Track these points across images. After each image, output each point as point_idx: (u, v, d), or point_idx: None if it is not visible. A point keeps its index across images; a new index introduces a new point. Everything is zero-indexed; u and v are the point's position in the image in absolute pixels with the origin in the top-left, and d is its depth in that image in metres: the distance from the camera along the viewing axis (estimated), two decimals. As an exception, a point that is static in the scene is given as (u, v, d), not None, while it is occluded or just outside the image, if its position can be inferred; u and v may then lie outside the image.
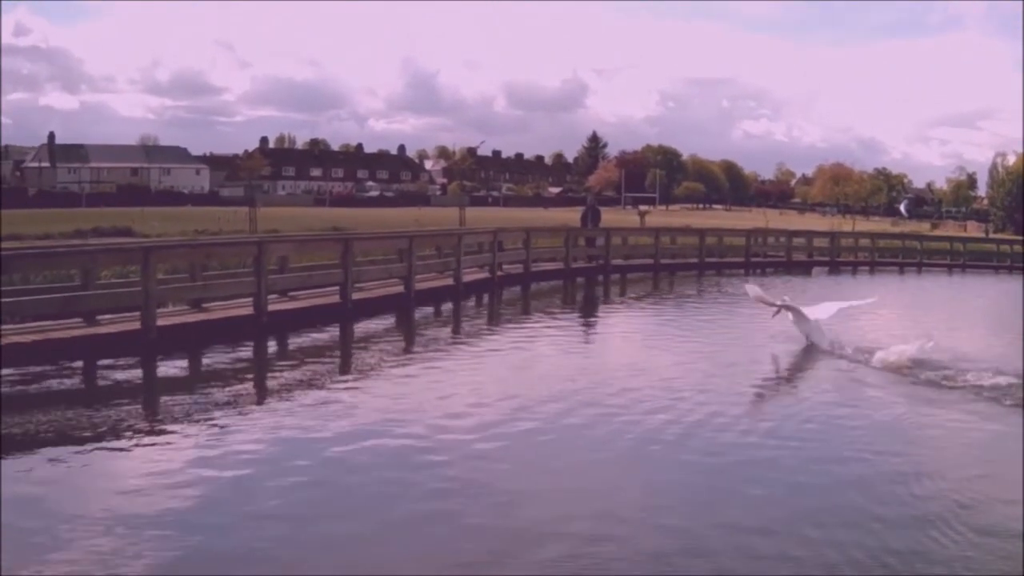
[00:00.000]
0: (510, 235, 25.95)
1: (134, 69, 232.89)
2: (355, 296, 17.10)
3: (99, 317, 12.74)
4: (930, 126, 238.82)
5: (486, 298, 21.86)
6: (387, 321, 17.35)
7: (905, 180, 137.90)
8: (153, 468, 7.41)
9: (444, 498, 7.04)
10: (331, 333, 15.55)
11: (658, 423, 9.46)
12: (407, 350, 14.71)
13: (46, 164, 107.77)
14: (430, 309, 19.06)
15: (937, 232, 71.07)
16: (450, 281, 20.93)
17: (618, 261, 29.90)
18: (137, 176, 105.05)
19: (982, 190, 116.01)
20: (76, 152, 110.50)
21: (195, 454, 7.88)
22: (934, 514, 6.85)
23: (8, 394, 9.70)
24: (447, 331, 17.47)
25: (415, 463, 7.91)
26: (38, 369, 10.66)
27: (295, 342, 14.30)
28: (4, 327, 11.17)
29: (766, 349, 14.86)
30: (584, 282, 26.93)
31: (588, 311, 22.03)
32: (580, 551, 6.06)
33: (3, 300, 11.46)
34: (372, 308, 17.50)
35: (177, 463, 7.60)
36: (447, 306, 19.70)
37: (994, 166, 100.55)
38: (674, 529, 6.55)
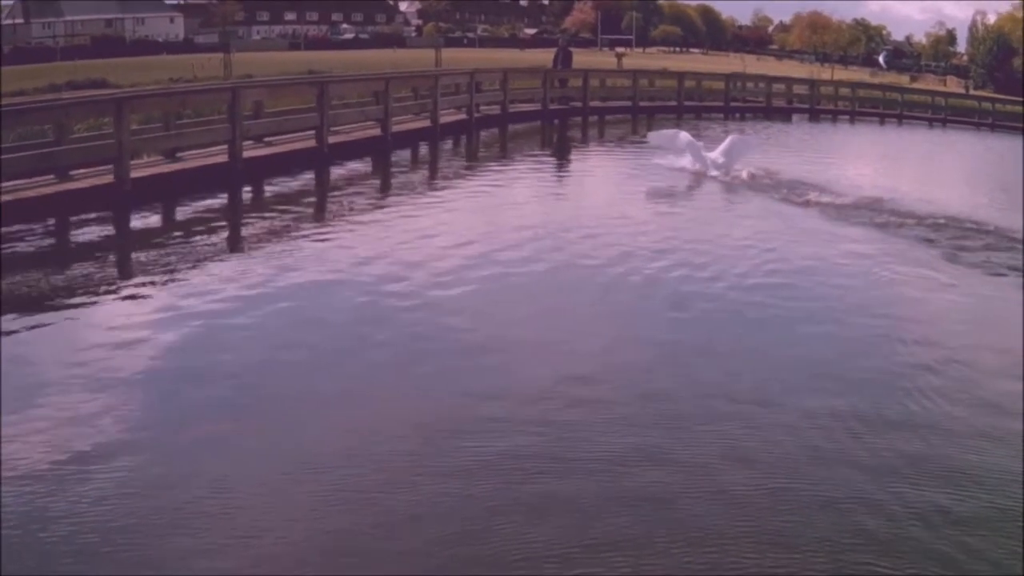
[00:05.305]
0: (487, 76, 25.62)
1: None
2: (331, 140, 16.99)
3: (73, 172, 12.59)
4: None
5: (464, 140, 21.82)
6: (364, 164, 17.39)
7: (884, 32, 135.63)
8: (126, 321, 7.44)
9: (421, 340, 7.25)
10: (307, 178, 15.60)
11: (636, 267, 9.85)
12: (384, 194, 14.84)
13: (20, 21, 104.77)
14: (407, 151, 19.07)
15: (917, 85, 69.92)
16: (427, 123, 20.81)
17: (596, 103, 29.53)
18: (112, 27, 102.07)
19: (962, 47, 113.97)
20: (50, 7, 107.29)
21: (168, 303, 7.96)
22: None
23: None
24: (424, 173, 17.54)
25: (392, 307, 8.06)
26: (11, 229, 10.39)
27: (271, 188, 14.36)
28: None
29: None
30: (560, 124, 26.72)
31: (566, 154, 22.01)
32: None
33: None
34: (349, 151, 17.45)
35: (150, 313, 7.68)
36: (424, 148, 19.71)
37: (974, 23, 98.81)
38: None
